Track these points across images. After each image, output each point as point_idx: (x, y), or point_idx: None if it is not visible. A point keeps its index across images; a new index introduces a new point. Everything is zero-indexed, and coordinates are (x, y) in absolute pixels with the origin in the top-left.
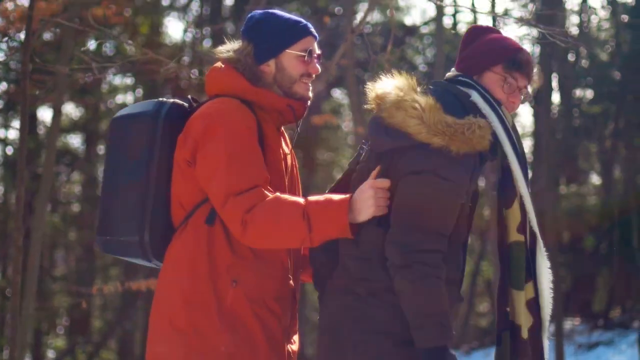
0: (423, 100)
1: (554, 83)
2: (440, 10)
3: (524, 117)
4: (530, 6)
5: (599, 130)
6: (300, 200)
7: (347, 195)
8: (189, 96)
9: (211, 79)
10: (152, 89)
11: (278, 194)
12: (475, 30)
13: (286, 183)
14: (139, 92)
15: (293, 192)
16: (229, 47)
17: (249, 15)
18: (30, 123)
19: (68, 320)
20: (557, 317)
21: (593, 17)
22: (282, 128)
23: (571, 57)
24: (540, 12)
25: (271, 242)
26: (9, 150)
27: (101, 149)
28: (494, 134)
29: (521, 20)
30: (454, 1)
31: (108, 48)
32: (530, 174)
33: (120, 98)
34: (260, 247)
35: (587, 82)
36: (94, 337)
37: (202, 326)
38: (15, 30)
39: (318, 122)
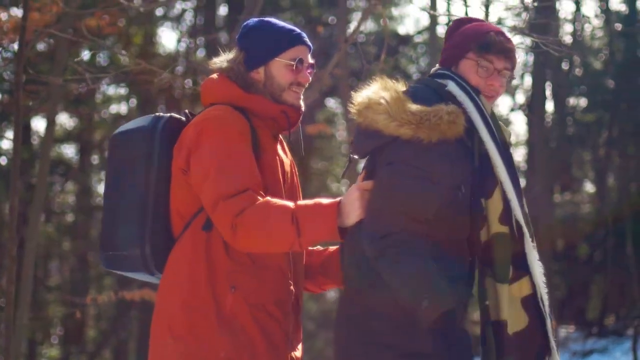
0: (389, 95)
1: (548, 91)
2: (433, 20)
3: (518, 125)
4: (524, 15)
5: (593, 139)
6: (290, 204)
7: (337, 199)
8: (186, 110)
9: (205, 89)
10: (146, 99)
11: (268, 198)
12: (454, 24)
13: (283, 189)
14: (133, 102)
15: (294, 200)
16: (224, 58)
17: (244, 23)
18: (24, 133)
19: (62, 330)
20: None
21: (586, 25)
22: (281, 137)
23: (565, 66)
24: (534, 21)
25: (260, 245)
26: (3, 161)
27: (95, 159)
28: (470, 121)
29: (515, 29)
30: (448, 10)
31: (102, 58)
32: (524, 183)
33: (114, 108)
34: (250, 251)
35: (581, 90)
36: (89, 347)
37: (201, 331)
38: (9, 41)
39: (312, 131)
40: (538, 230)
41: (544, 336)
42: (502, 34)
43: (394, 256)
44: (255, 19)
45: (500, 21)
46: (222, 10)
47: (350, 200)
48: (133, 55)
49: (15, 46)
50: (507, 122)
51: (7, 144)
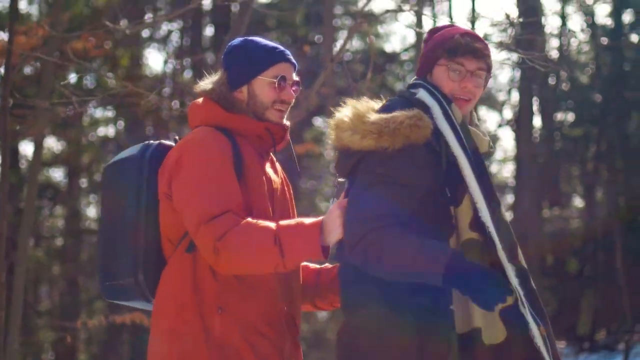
0: (351, 111)
1: (535, 107)
2: (420, 37)
3: (506, 141)
4: (510, 31)
5: (581, 153)
6: (272, 225)
7: (319, 218)
8: (176, 137)
9: (190, 112)
10: (133, 121)
11: (249, 219)
12: (427, 34)
13: (273, 207)
14: (121, 124)
15: (287, 219)
16: (209, 80)
17: (229, 43)
18: (11, 157)
19: (53, 355)
20: None
21: (573, 40)
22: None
23: (552, 81)
24: (520, 36)
25: (244, 268)
26: None
27: (84, 182)
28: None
29: (501, 45)
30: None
31: (89, 81)
32: (512, 198)
33: (101, 131)
34: (234, 273)
35: (568, 105)
36: None
37: (191, 359)
38: None
39: (300, 150)
40: (527, 246)
41: (529, 347)
42: (470, 34)
43: (377, 242)
44: (240, 38)
45: (486, 37)
46: (209, 30)
47: (332, 218)
48: (120, 78)
49: (2, 70)
50: (495, 138)
51: None
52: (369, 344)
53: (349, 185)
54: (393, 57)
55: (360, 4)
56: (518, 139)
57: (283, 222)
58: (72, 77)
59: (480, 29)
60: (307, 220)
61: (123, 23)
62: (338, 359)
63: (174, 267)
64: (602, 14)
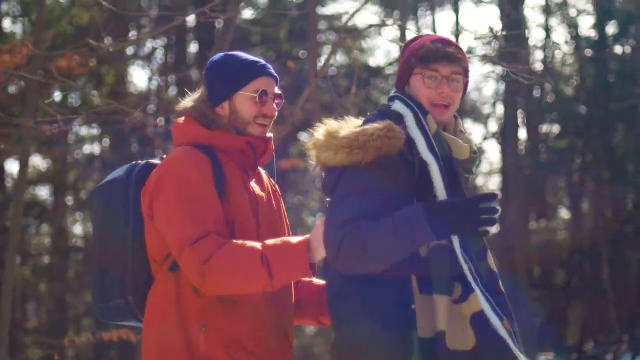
0: (324, 129)
1: (520, 119)
2: None
3: (491, 154)
4: (494, 44)
5: (566, 165)
6: (257, 245)
7: (305, 237)
8: (163, 155)
9: (173, 131)
10: (119, 139)
11: (233, 240)
12: (403, 47)
13: (256, 223)
14: (106, 142)
15: (274, 234)
16: (190, 97)
17: (209, 59)
18: None
19: None
20: (531, 352)
21: (557, 52)
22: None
23: (536, 93)
24: (504, 49)
25: (231, 290)
26: None
27: (69, 199)
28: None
29: (485, 58)
30: None
31: (73, 99)
32: (499, 211)
33: (87, 148)
34: (220, 295)
35: (553, 117)
36: None
37: None
38: None
39: (285, 165)
40: (514, 258)
41: (501, 352)
42: (441, 40)
43: (355, 238)
44: (220, 54)
45: (470, 50)
46: (193, 47)
47: (317, 234)
48: (104, 95)
49: None
50: (481, 151)
51: None
52: (354, 359)
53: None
54: (377, 72)
55: (344, 19)
56: (503, 152)
57: (269, 242)
58: (57, 95)
59: (464, 42)
60: (294, 240)
61: (107, 41)
62: None
63: (158, 286)
64: (586, 26)
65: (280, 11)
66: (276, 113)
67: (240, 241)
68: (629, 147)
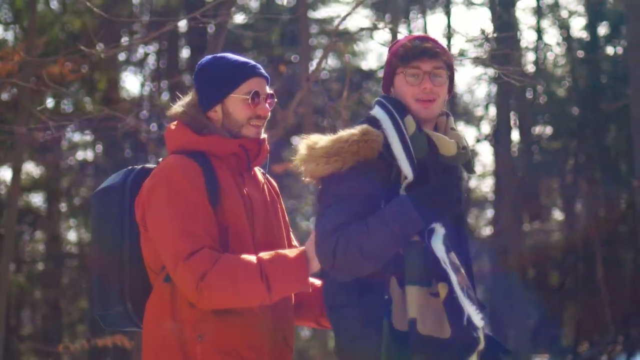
0: (304, 142)
1: (513, 121)
2: None
3: (485, 156)
4: (486, 46)
5: (560, 166)
6: (253, 259)
7: (301, 248)
8: (159, 159)
9: (166, 138)
10: (112, 145)
11: (227, 254)
12: (388, 51)
13: (251, 227)
14: (99, 148)
15: (270, 238)
16: (181, 102)
17: (198, 62)
18: None
19: None
20: (526, 353)
21: (549, 53)
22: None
23: (529, 95)
24: (496, 51)
25: (229, 305)
26: None
27: (63, 206)
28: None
29: (477, 61)
30: None
31: (66, 105)
32: (492, 213)
33: (80, 155)
34: (216, 309)
35: (546, 118)
36: None
37: None
38: None
39: (278, 170)
40: (508, 260)
41: (469, 334)
42: (419, 37)
43: (347, 243)
44: (209, 57)
45: (462, 53)
46: (185, 52)
47: (312, 244)
48: (97, 101)
49: None
50: (474, 153)
51: None
52: None
53: None
54: (369, 75)
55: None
56: (496, 154)
57: (266, 256)
58: (49, 102)
59: (456, 45)
60: (290, 252)
61: (99, 47)
62: None
63: (155, 295)
64: (578, 27)
65: (271, 15)
66: (269, 113)
67: (234, 255)
68: (622, 148)
